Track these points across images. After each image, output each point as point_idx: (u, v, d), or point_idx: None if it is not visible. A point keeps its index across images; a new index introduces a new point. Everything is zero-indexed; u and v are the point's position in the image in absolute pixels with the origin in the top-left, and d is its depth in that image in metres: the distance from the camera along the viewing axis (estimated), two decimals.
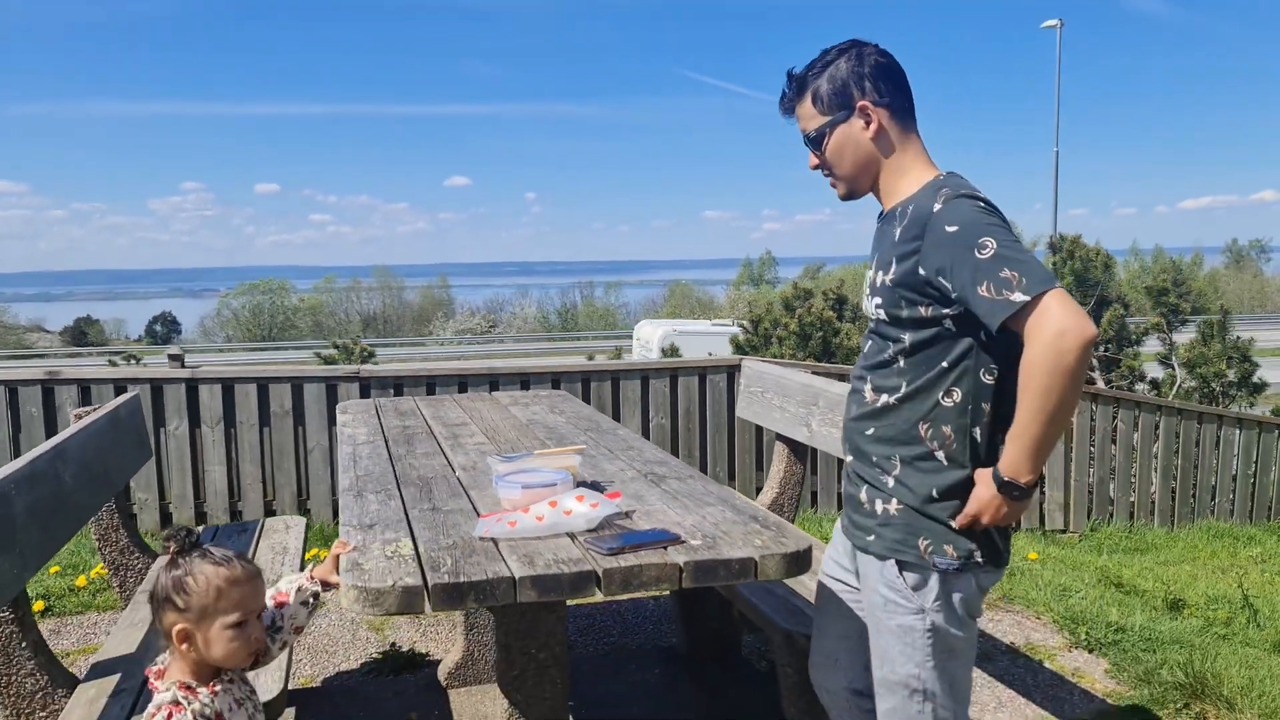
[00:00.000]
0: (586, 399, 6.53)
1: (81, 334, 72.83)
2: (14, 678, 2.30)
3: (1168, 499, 7.66)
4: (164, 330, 79.43)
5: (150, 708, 1.74)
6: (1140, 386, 10.41)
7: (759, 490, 6.36)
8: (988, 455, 2.03)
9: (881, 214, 2.17)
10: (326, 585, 2.06)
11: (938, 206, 1.96)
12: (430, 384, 6.34)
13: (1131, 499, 7.54)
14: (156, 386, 6.16)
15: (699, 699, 3.53)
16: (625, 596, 4.74)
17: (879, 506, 2.09)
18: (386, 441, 3.24)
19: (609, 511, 2.20)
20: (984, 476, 1.99)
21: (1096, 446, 7.33)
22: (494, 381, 6.43)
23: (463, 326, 72.81)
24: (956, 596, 2.04)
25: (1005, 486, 1.95)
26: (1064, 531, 7.13)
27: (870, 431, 2.12)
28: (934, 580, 2.03)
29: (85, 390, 6.26)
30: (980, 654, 4.03)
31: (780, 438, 4.29)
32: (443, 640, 4.15)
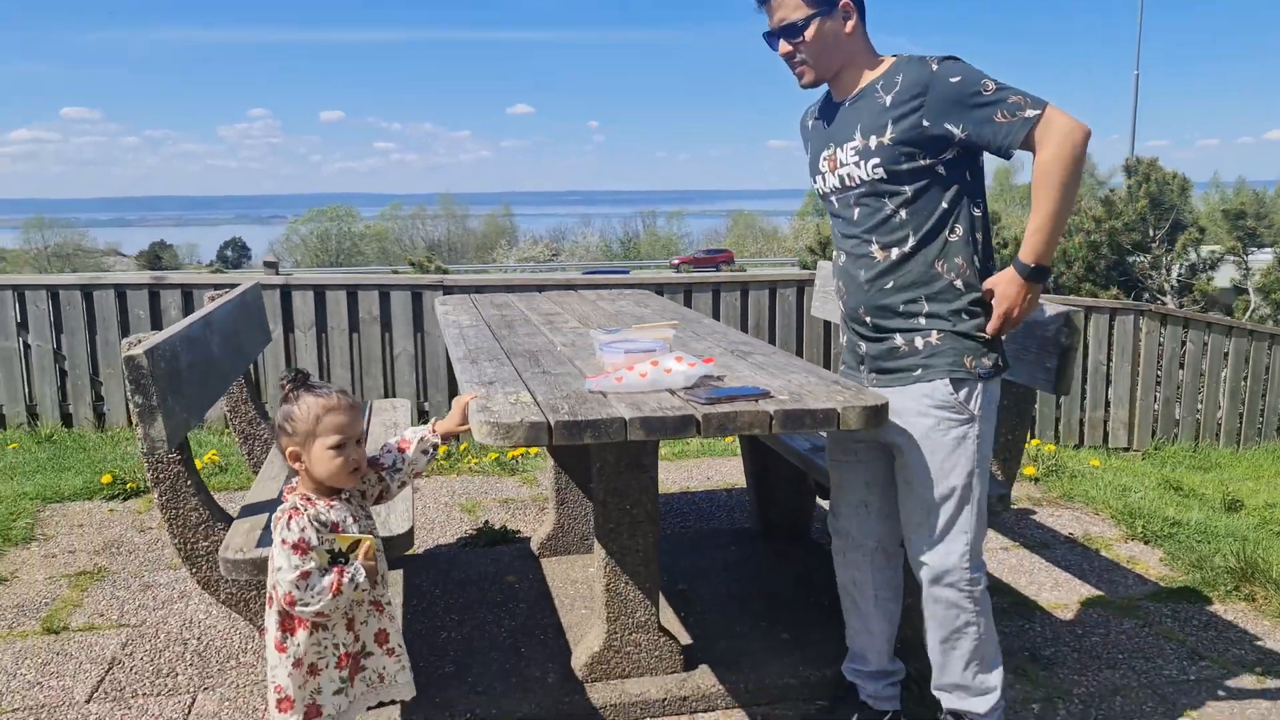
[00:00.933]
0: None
1: (156, 258, 74.80)
2: (181, 511, 2.63)
3: (1235, 421, 7.71)
4: (234, 255, 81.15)
5: (278, 512, 2.05)
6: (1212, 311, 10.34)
7: None
8: (985, 274, 2.44)
9: (841, 99, 2.49)
10: (446, 438, 2.34)
11: (935, 68, 2.30)
12: (510, 292, 6.63)
13: (1198, 418, 7.61)
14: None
15: (773, 570, 3.80)
16: (702, 487, 5.01)
17: (919, 342, 2.43)
18: (489, 325, 3.50)
19: (705, 371, 2.44)
20: (1006, 275, 2.37)
21: (1164, 369, 7.40)
22: (573, 289, 6.70)
23: (526, 254, 73.28)
24: (990, 398, 2.44)
25: (1034, 273, 2.34)
26: (1128, 450, 7.25)
27: (890, 285, 2.44)
28: (979, 388, 2.41)
29: (188, 295, 6.65)
30: (1039, 542, 4.25)
31: None
32: (530, 521, 4.46)
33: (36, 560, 4.01)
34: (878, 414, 2.26)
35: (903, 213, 2.40)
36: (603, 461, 2.82)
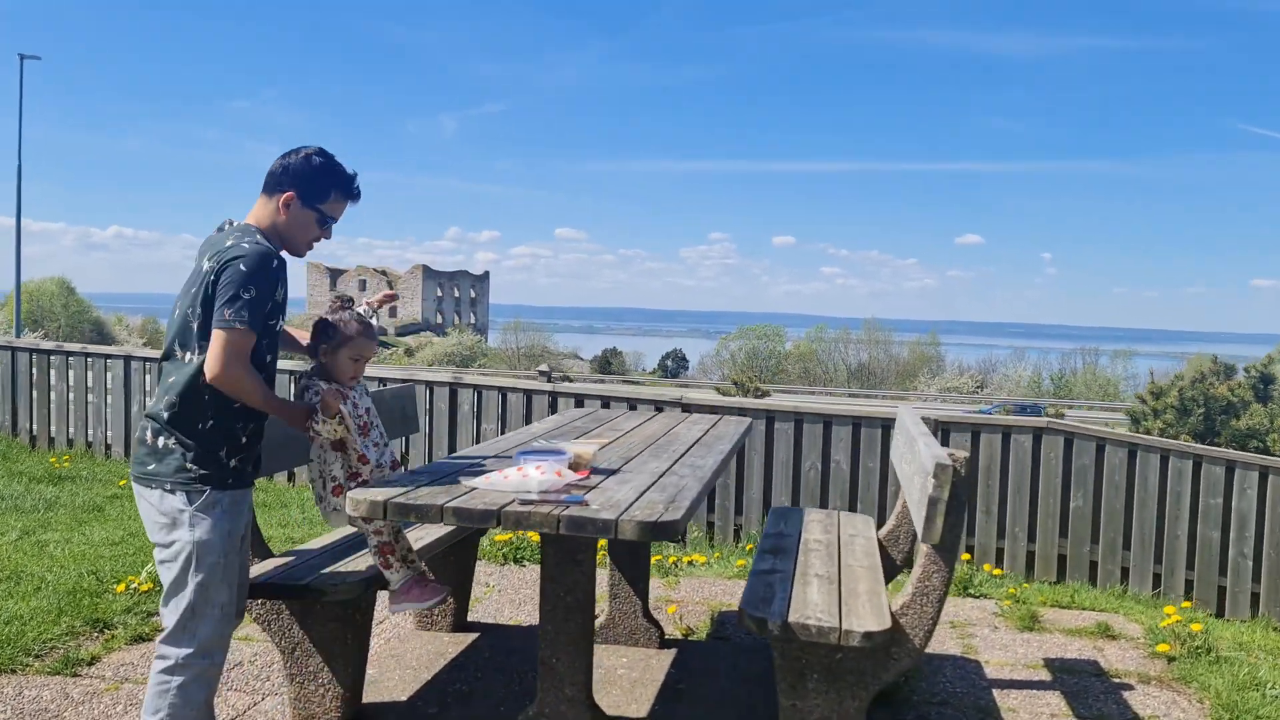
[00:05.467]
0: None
1: (607, 363, 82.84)
2: None
3: None
4: (674, 365, 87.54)
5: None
6: None
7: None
8: None
9: None
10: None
11: None
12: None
13: None
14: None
15: None
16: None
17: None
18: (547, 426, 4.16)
19: (567, 481, 2.94)
20: None
21: None
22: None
23: (949, 384, 71.50)
24: None
25: None
26: None
27: None
28: None
29: (479, 392, 7.99)
30: None
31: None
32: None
33: None
34: (656, 529, 2.62)
35: None
36: (547, 554, 3.35)
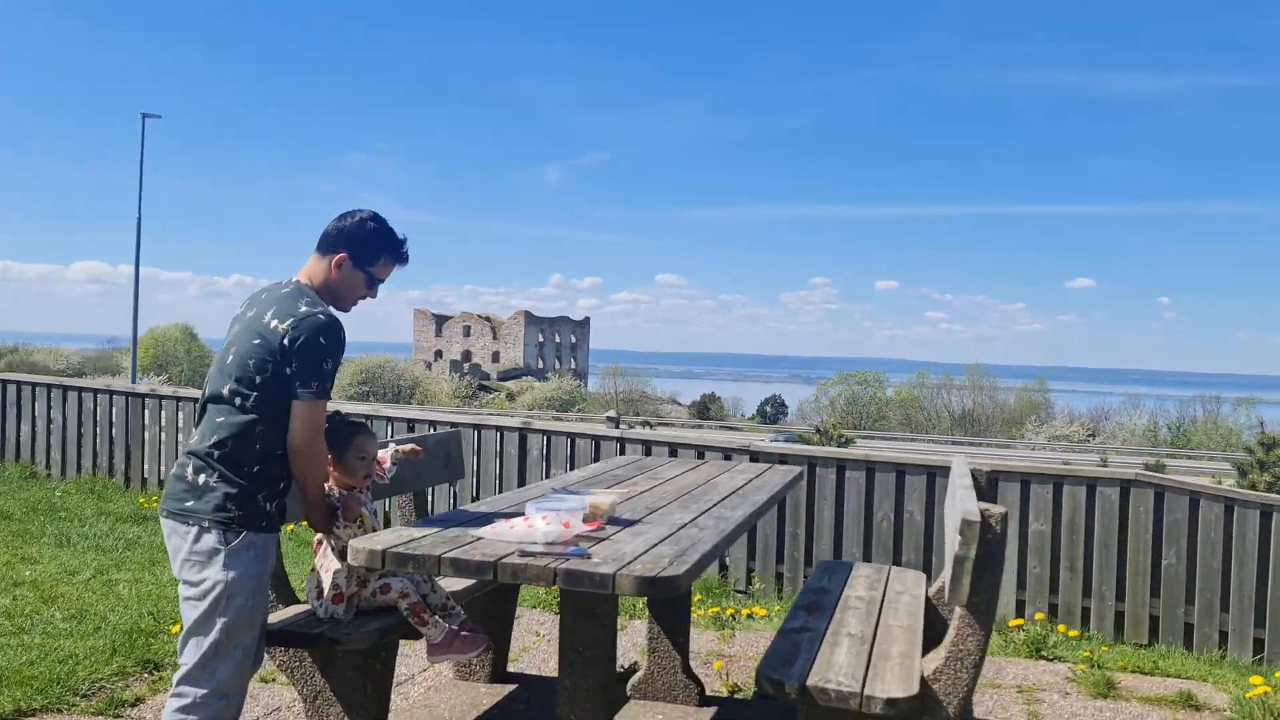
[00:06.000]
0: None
1: (705, 408, 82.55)
2: None
3: None
4: (772, 411, 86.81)
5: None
6: None
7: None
8: None
9: None
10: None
11: None
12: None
13: None
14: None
15: None
16: None
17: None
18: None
19: (576, 532, 2.85)
20: None
21: None
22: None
23: (1058, 432, 69.08)
24: None
25: None
26: None
27: None
28: None
29: (548, 438, 7.97)
30: None
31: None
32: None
33: None
34: (654, 585, 2.51)
35: None
36: (565, 607, 3.25)
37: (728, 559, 7.11)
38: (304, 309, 3.00)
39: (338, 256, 3.14)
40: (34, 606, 5.31)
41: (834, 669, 2.95)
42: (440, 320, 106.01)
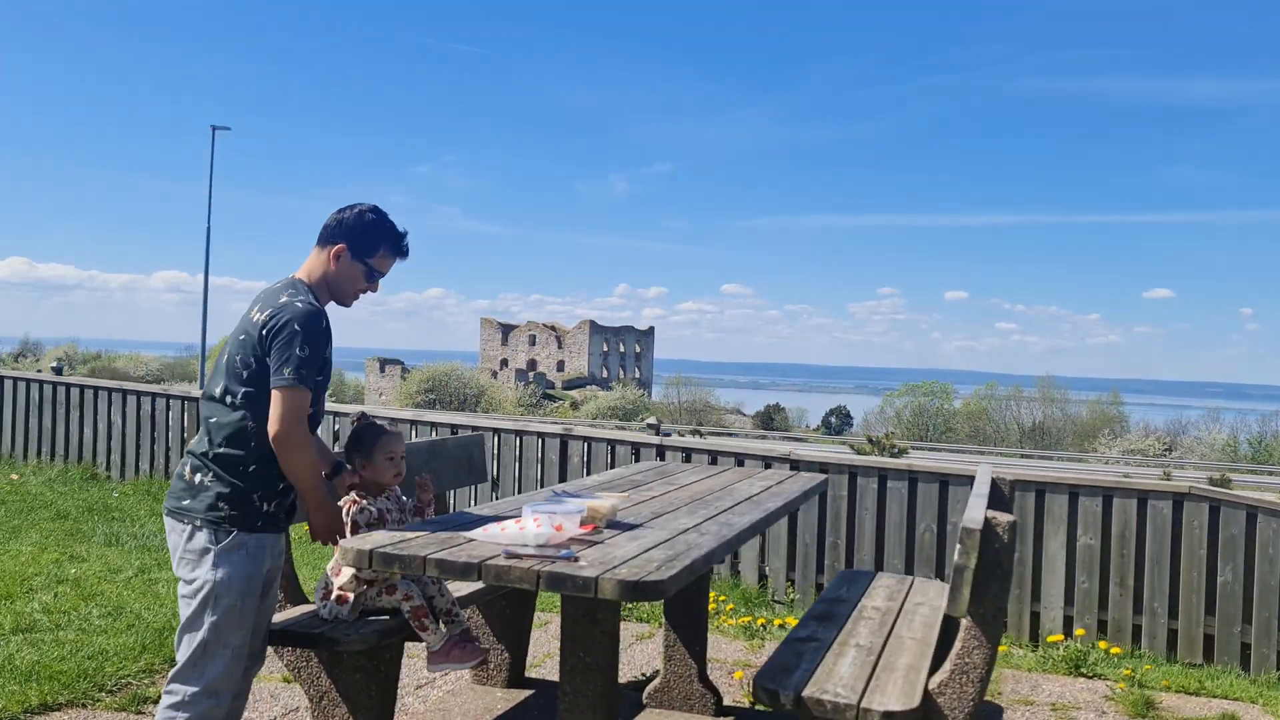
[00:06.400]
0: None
1: (769, 419, 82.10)
2: None
3: None
4: (838, 422, 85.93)
5: (341, 501, 3.12)
6: None
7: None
8: None
9: None
10: None
11: None
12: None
13: None
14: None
15: None
16: None
17: None
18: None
19: (568, 535, 2.80)
20: None
21: None
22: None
23: (1133, 446, 67.26)
24: None
25: None
26: None
27: None
28: None
29: (588, 444, 7.96)
30: None
31: None
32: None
33: None
34: (637, 590, 2.45)
35: None
36: (566, 612, 3.21)
37: (766, 569, 7.01)
38: (284, 299, 3.00)
39: (336, 248, 3.14)
40: (73, 603, 5.42)
41: (834, 680, 2.87)
42: (506, 329, 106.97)
